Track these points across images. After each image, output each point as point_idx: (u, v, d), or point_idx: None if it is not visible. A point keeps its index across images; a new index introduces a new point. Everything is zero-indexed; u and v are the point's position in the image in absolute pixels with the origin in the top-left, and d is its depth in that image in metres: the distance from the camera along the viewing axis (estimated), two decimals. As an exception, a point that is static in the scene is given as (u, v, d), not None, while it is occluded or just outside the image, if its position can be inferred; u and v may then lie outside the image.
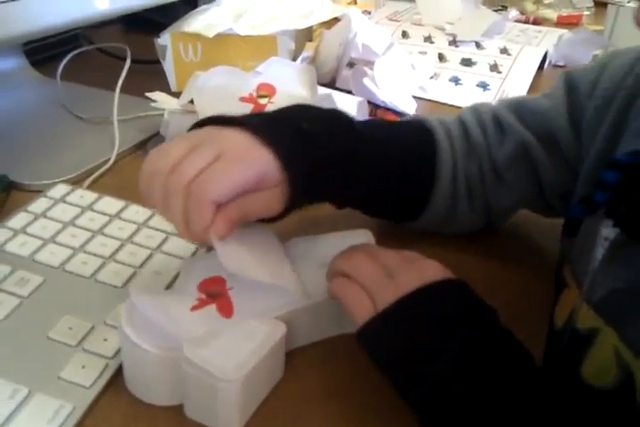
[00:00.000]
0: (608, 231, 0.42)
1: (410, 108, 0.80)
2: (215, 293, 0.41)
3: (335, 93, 0.66)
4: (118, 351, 0.40)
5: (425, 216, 0.54)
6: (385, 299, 0.39)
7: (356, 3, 1.23)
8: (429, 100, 0.87)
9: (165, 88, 0.77)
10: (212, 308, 0.40)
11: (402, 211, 0.55)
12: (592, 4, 1.38)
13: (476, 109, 0.56)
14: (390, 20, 1.17)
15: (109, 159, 0.64)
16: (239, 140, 0.41)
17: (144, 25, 1.01)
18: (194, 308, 0.40)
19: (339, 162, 0.46)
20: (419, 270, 0.41)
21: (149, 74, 0.81)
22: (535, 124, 0.52)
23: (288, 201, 0.42)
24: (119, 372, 0.40)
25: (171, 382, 0.37)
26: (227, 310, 0.40)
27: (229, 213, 0.39)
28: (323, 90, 0.67)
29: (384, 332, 0.39)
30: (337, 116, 0.48)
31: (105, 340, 0.41)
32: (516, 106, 0.54)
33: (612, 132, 0.45)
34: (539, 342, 0.45)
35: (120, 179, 0.62)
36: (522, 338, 0.41)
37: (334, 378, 0.42)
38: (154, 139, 0.69)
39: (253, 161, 0.40)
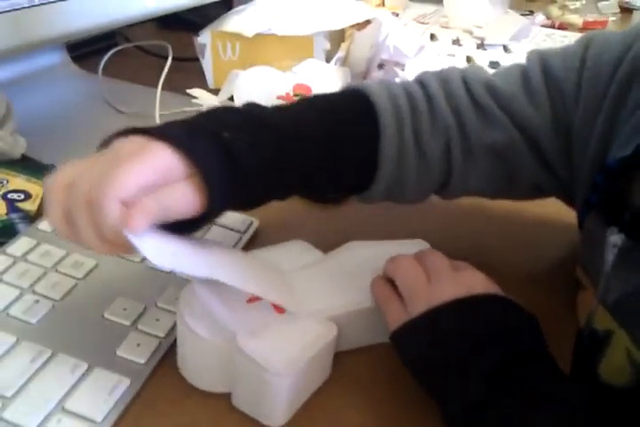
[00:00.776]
0: (615, 238, 0.43)
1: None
2: None
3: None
4: (170, 331, 0.43)
5: (369, 192, 0.49)
6: (418, 304, 0.40)
7: (384, 5, 1.25)
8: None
9: (202, 85, 0.80)
10: (268, 302, 0.41)
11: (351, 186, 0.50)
12: (618, 9, 1.40)
13: (445, 81, 0.49)
14: (418, 22, 1.19)
15: (151, 152, 0.66)
16: (135, 141, 0.38)
17: (178, 23, 1.04)
18: (250, 300, 0.41)
19: (261, 171, 0.41)
20: (460, 280, 0.41)
21: (186, 71, 0.83)
22: (522, 123, 0.48)
23: (206, 192, 0.37)
24: (172, 350, 0.42)
25: (222, 370, 0.39)
26: (278, 307, 0.41)
27: (144, 205, 0.34)
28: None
29: (412, 338, 0.40)
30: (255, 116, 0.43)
31: (157, 320, 0.44)
32: (495, 94, 0.49)
33: (605, 135, 0.45)
34: (569, 342, 0.47)
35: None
36: (551, 336, 0.42)
37: (377, 386, 0.42)
38: (193, 134, 0.71)
39: (148, 154, 0.36)
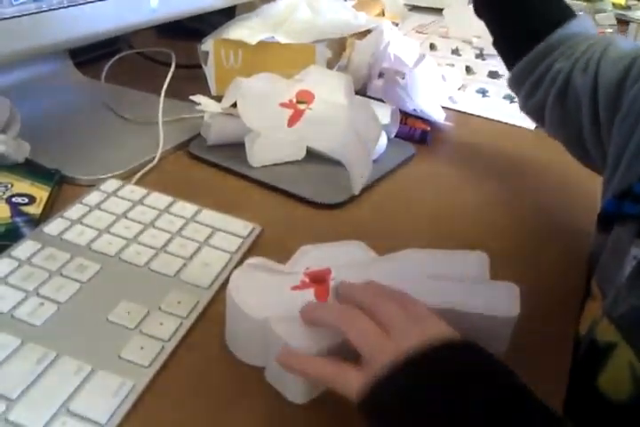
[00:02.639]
0: (638, 251, 0.44)
1: (439, 118, 0.83)
2: (318, 279, 0.45)
3: (371, 101, 0.68)
4: (174, 334, 0.43)
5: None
6: (384, 361, 0.34)
7: (383, 14, 1.26)
8: (458, 111, 0.90)
9: (204, 92, 0.80)
10: (311, 291, 0.44)
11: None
12: (615, 21, 1.41)
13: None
14: (417, 32, 1.20)
15: (154, 158, 0.67)
16: None
17: (180, 31, 1.05)
18: (295, 287, 0.44)
19: None
20: (424, 331, 0.36)
21: (188, 78, 0.84)
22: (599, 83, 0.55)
23: None
24: (175, 353, 0.43)
25: (259, 345, 0.41)
26: (323, 295, 0.43)
27: None
28: (359, 97, 0.69)
29: (383, 403, 0.34)
30: None
31: (161, 324, 0.44)
32: (606, 52, 0.56)
33: None
34: (566, 348, 0.47)
35: (165, 176, 0.65)
36: (551, 345, 0.43)
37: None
38: (195, 140, 0.72)
39: None
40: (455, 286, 0.46)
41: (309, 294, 0.43)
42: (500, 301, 0.44)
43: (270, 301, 0.42)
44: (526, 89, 0.63)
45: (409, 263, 0.48)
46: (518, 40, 0.64)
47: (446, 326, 0.37)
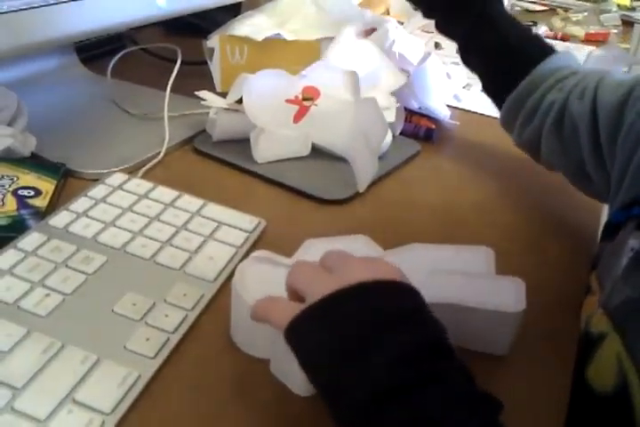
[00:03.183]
0: (635, 242, 0.44)
1: (444, 116, 0.83)
2: None
3: (377, 98, 0.68)
4: (179, 326, 0.43)
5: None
6: (320, 294, 0.34)
7: (388, 13, 1.26)
8: (462, 110, 0.90)
9: (209, 88, 0.80)
10: None
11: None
12: (619, 22, 1.41)
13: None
14: (423, 31, 1.20)
15: (159, 153, 0.67)
16: None
17: (185, 28, 1.05)
18: None
19: None
20: (369, 267, 0.37)
21: (193, 75, 0.84)
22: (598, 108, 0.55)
23: None
24: (180, 345, 0.43)
25: (264, 336, 0.41)
26: None
27: None
28: (365, 94, 0.69)
29: (309, 327, 0.34)
30: None
31: (166, 316, 0.44)
32: (602, 80, 0.57)
33: None
34: (571, 344, 0.47)
35: (170, 171, 0.65)
36: (555, 341, 0.43)
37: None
38: (200, 136, 0.72)
39: None
40: (460, 281, 0.46)
41: None
42: (506, 296, 0.44)
43: (275, 293, 0.42)
44: (520, 122, 0.63)
45: (414, 258, 0.48)
46: (505, 80, 0.65)
47: (397, 270, 0.37)
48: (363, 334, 0.33)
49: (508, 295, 0.44)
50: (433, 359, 0.33)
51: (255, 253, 0.46)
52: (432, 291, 0.44)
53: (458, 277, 0.46)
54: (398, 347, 0.32)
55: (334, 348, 0.33)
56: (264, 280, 0.43)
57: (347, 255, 0.39)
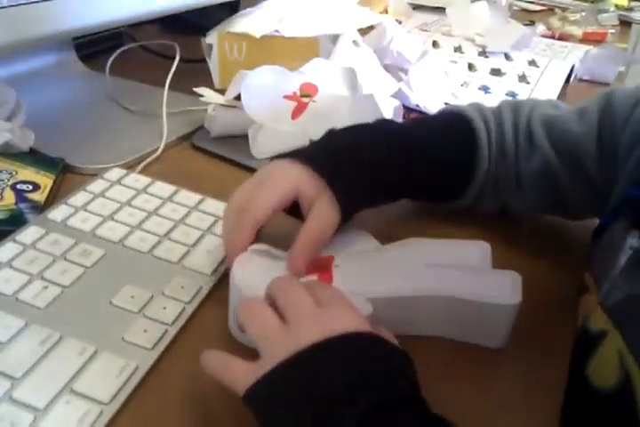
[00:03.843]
0: (633, 241, 0.45)
1: (441, 113, 0.83)
2: (321, 266, 0.45)
3: (376, 94, 0.69)
4: (177, 319, 0.44)
5: (455, 203, 0.59)
6: (277, 354, 0.34)
7: (387, 12, 1.27)
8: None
9: (208, 85, 0.81)
10: (314, 277, 0.44)
11: (442, 197, 0.60)
12: (617, 22, 1.42)
13: (515, 109, 0.58)
14: (421, 30, 1.20)
15: (157, 148, 0.67)
16: (280, 165, 0.49)
17: (184, 26, 1.05)
18: None
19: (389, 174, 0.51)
20: (321, 320, 0.36)
21: (191, 72, 0.84)
22: (564, 145, 0.54)
23: (340, 204, 0.46)
24: (178, 337, 0.43)
25: None
26: (326, 281, 0.44)
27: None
28: (364, 90, 0.70)
29: (270, 395, 0.34)
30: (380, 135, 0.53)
31: (164, 308, 0.44)
32: (549, 121, 0.56)
33: None
34: (566, 346, 0.47)
35: (168, 167, 0.65)
36: (549, 340, 0.44)
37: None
38: (198, 132, 0.72)
39: (284, 179, 0.47)
40: (456, 275, 0.46)
41: (313, 280, 0.44)
42: (502, 289, 0.44)
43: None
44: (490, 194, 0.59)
45: (411, 252, 0.49)
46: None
47: (351, 313, 0.37)
48: (318, 411, 0.32)
49: (504, 288, 0.44)
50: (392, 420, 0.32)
51: (254, 246, 0.46)
52: (428, 284, 0.45)
53: (454, 270, 0.46)
54: (355, 419, 0.31)
55: (290, 424, 0.33)
56: (261, 273, 0.43)
57: (298, 296, 0.38)
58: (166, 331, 0.43)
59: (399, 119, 0.77)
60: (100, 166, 0.62)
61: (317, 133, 0.69)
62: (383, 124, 0.56)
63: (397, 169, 0.51)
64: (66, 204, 0.53)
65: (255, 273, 0.43)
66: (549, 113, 0.57)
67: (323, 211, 0.47)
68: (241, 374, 0.35)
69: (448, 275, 0.46)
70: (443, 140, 0.55)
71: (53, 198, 0.56)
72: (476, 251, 0.49)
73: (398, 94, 0.80)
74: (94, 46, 0.92)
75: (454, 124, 0.57)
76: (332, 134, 0.53)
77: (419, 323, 0.45)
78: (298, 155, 0.49)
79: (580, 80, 1.08)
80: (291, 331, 0.36)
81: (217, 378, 0.36)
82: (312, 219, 0.46)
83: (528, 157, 0.56)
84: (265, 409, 0.34)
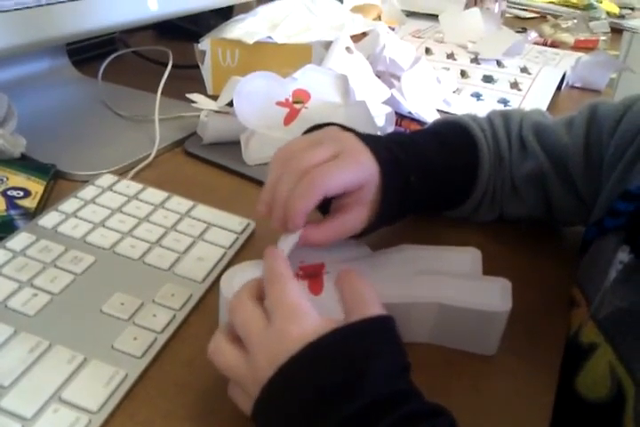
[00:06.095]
0: (624, 256, 0.45)
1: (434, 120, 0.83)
2: (312, 273, 0.45)
3: (368, 101, 0.69)
4: (167, 326, 0.44)
5: (457, 211, 0.59)
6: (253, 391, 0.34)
7: (380, 19, 1.27)
8: (452, 114, 0.90)
9: (200, 92, 0.81)
10: (305, 284, 0.44)
11: (445, 206, 0.60)
12: (608, 29, 1.43)
13: (506, 118, 0.59)
14: (414, 36, 1.21)
15: (150, 155, 0.67)
16: (355, 142, 0.47)
17: (177, 32, 1.06)
18: None
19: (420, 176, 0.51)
20: (270, 344, 0.35)
21: (184, 78, 0.84)
22: (554, 153, 0.55)
23: (374, 216, 0.47)
24: (168, 345, 0.43)
25: None
26: (316, 288, 0.44)
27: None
28: (356, 97, 0.70)
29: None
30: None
31: (154, 316, 0.44)
32: (539, 129, 0.57)
33: (628, 167, 0.50)
34: (557, 349, 0.48)
35: (160, 173, 0.65)
36: (541, 353, 0.45)
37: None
38: (191, 138, 0.72)
39: (365, 165, 0.45)
40: (446, 281, 0.46)
41: (304, 287, 0.44)
42: (492, 296, 0.45)
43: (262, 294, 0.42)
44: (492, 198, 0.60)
45: (401, 258, 0.49)
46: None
47: (296, 324, 0.35)
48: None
49: (494, 295, 0.45)
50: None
51: (245, 262, 0.45)
52: (418, 291, 0.45)
53: (444, 277, 0.46)
54: None
55: None
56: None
57: (246, 319, 0.37)
58: (156, 339, 0.42)
59: (391, 126, 0.78)
60: (92, 173, 0.61)
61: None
62: (393, 136, 0.55)
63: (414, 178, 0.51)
64: (56, 210, 0.53)
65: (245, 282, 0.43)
66: (540, 120, 0.58)
67: (363, 214, 0.47)
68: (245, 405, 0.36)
69: (438, 282, 0.46)
70: (447, 147, 0.55)
71: (44, 205, 0.56)
72: (467, 258, 0.49)
73: (391, 101, 0.81)
74: (87, 52, 0.92)
75: (456, 133, 0.57)
76: None
77: (410, 330, 0.45)
78: (367, 139, 0.48)
79: (572, 87, 1.08)
80: (249, 363, 0.35)
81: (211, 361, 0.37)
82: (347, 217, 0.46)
83: (521, 161, 0.57)
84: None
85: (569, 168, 0.55)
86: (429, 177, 0.52)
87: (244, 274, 0.44)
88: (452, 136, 0.57)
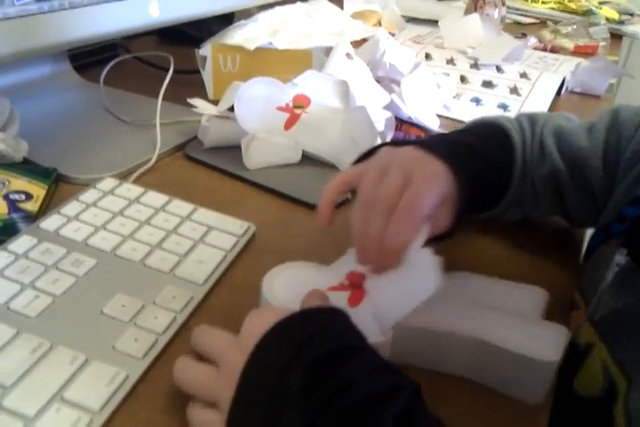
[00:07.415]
0: (621, 258, 0.46)
1: (433, 125, 0.84)
2: (358, 284, 0.44)
3: (368, 107, 0.69)
4: (168, 328, 0.44)
5: (491, 212, 0.58)
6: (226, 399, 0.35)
7: (380, 25, 1.28)
8: (452, 119, 0.91)
9: (201, 96, 0.81)
10: (346, 294, 0.43)
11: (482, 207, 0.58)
12: (608, 35, 1.43)
13: (532, 120, 0.59)
14: (414, 42, 1.21)
15: (151, 159, 0.67)
16: (417, 155, 0.48)
17: (179, 38, 1.06)
18: (332, 288, 0.44)
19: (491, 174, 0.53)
20: (241, 345, 0.37)
21: (185, 83, 0.85)
22: (571, 157, 0.55)
23: (455, 213, 0.47)
24: (169, 346, 0.43)
25: None
26: (355, 300, 0.43)
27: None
28: (356, 103, 0.70)
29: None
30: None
31: (155, 317, 0.44)
32: (559, 133, 0.56)
33: None
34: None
35: (161, 177, 0.66)
36: None
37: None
38: (192, 143, 0.73)
39: (441, 174, 0.46)
40: (496, 317, 0.43)
41: (344, 297, 0.43)
42: (541, 342, 0.41)
43: (301, 297, 0.41)
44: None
45: (458, 285, 0.46)
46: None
47: (260, 319, 0.38)
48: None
49: (545, 341, 0.41)
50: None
51: (283, 265, 0.46)
52: (461, 322, 0.42)
53: (495, 312, 0.44)
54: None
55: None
56: (295, 284, 0.44)
57: (213, 341, 0.39)
58: (157, 340, 0.43)
59: (391, 131, 0.78)
60: (93, 176, 0.62)
61: (309, 144, 0.70)
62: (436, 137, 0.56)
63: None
64: (58, 213, 0.53)
65: (288, 285, 0.43)
66: (561, 124, 0.58)
67: (443, 216, 0.47)
68: (202, 380, 0.37)
69: (486, 316, 0.43)
70: (490, 147, 0.55)
71: (46, 208, 0.57)
72: (531, 297, 0.47)
73: (391, 106, 0.81)
74: (89, 57, 0.93)
75: (496, 134, 0.57)
76: None
77: (447, 362, 0.43)
78: (423, 146, 0.49)
79: (572, 92, 1.09)
80: (222, 368, 0.37)
81: (177, 383, 0.38)
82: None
83: (539, 164, 0.56)
84: None
85: (586, 173, 0.54)
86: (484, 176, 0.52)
87: (284, 275, 0.44)
88: (491, 137, 0.57)
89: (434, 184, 0.45)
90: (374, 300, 0.43)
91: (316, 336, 0.35)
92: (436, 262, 0.41)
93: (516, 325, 0.43)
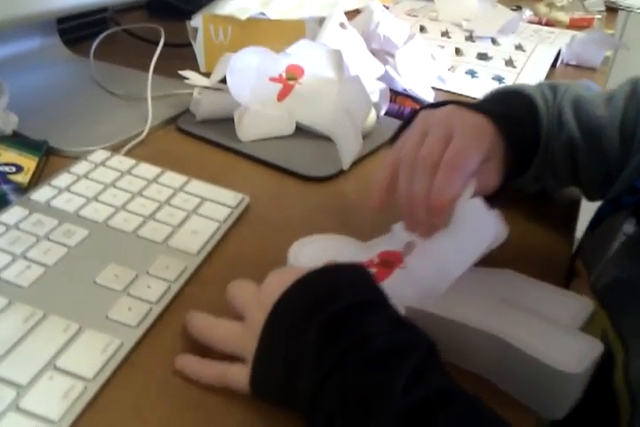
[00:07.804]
0: (629, 228, 0.46)
1: (428, 97, 0.83)
2: (388, 263, 0.44)
3: (362, 76, 0.68)
4: (162, 297, 0.44)
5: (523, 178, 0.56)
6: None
7: (374, -2, 1.26)
8: (447, 91, 0.90)
9: (193, 69, 0.80)
10: (372, 272, 0.40)
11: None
12: (604, 8, 1.42)
13: (553, 89, 0.58)
14: (408, 15, 1.20)
15: (142, 132, 0.66)
16: (458, 111, 0.47)
17: (169, 11, 1.05)
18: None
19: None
20: (262, 301, 0.38)
21: (176, 56, 0.84)
22: (587, 126, 0.54)
23: (503, 171, 0.47)
24: (163, 315, 0.43)
25: None
26: (379, 279, 0.42)
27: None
28: (350, 72, 0.69)
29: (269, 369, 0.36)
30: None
31: (148, 287, 0.44)
32: (578, 102, 0.55)
33: None
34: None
35: (153, 150, 0.65)
36: None
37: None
38: (184, 115, 0.72)
39: (483, 127, 0.45)
40: (522, 318, 0.40)
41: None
42: (566, 351, 0.38)
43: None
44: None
45: (493, 281, 0.44)
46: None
47: (279, 279, 0.39)
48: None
49: (573, 352, 0.37)
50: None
51: (310, 236, 0.46)
52: (484, 317, 0.40)
53: (523, 314, 0.41)
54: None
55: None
56: (317, 255, 0.43)
57: (240, 294, 0.41)
58: (151, 309, 0.42)
59: (386, 102, 0.77)
60: (84, 149, 0.61)
61: (303, 116, 0.69)
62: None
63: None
64: (49, 185, 0.53)
65: (310, 258, 0.43)
66: (580, 93, 0.57)
67: (491, 173, 0.47)
68: (239, 377, 0.37)
69: (512, 316, 0.40)
70: (521, 114, 0.54)
71: (37, 180, 0.56)
72: (573, 305, 0.42)
73: (385, 77, 0.80)
74: (79, 31, 0.91)
75: (523, 102, 0.56)
76: None
77: (464, 356, 0.41)
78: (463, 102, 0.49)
79: (567, 65, 1.08)
80: (245, 329, 0.38)
81: (202, 339, 0.40)
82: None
83: (558, 132, 0.55)
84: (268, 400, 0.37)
85: (602, 142, 0.53)
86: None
87: (311, 246, 0.44)
88: (518, 105, 0.55)
89: (476, 137, 0.44)
90: (403, 283, 0.42)
91: (334, 292, 0.36)
92: (490, 209, 0.40)
93: (542, 329, 0.40)
